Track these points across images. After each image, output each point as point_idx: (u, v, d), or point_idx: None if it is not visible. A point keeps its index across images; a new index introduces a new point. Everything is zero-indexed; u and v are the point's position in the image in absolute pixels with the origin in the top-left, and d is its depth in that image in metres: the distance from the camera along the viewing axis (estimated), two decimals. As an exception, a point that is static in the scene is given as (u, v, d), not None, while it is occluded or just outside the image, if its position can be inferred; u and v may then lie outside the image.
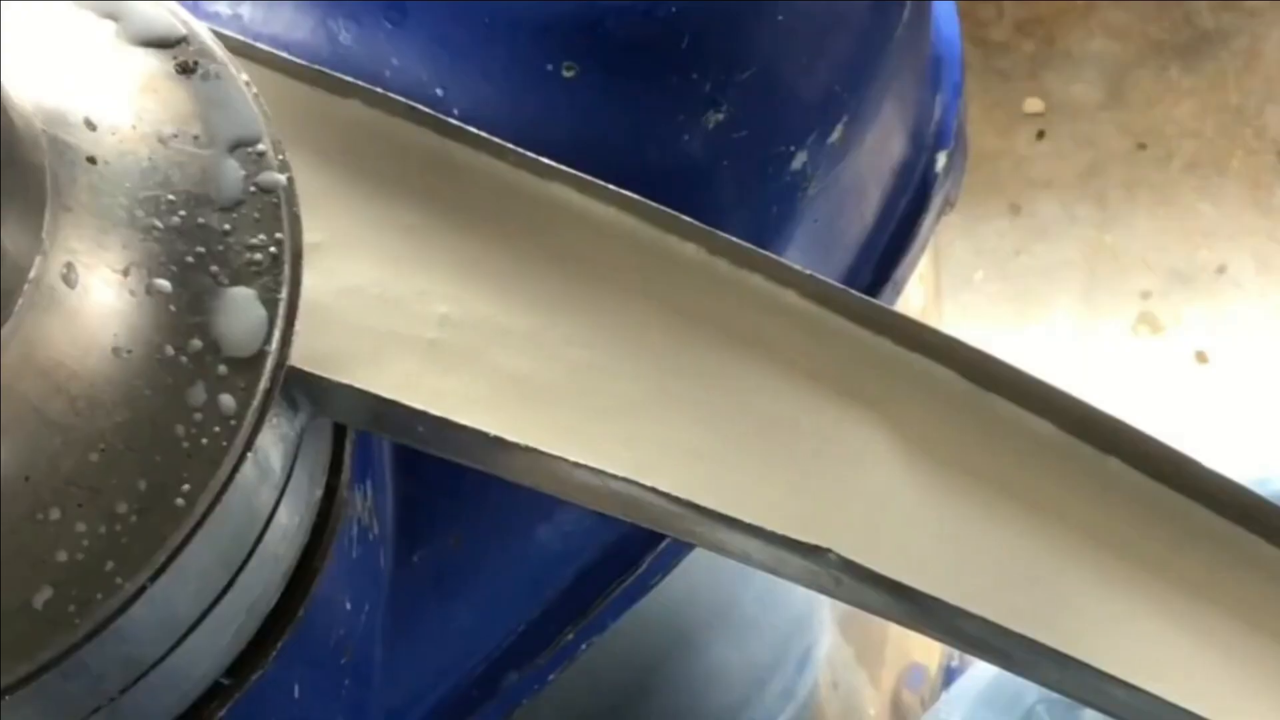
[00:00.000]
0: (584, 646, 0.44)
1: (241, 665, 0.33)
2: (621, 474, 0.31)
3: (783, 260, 0.34)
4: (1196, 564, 0.34)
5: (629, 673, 0.56)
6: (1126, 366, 1.20)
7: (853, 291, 0.34)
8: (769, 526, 0.31)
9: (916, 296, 0.61)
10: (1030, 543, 0.34)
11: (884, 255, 0.51)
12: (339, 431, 0.35)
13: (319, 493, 0.34)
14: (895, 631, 0.74)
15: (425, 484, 0.40)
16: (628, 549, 0.44)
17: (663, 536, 0.42)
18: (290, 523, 0.33)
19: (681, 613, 0.59)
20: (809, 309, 0.34)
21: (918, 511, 0.33)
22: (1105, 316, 1.23)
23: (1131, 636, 0.34)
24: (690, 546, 0.43)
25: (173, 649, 0.31)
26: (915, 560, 0.32)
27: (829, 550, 0.32)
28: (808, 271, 0.34)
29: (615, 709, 0.57)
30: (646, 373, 0.33)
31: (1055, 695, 0.48)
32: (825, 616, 0.75)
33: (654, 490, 0.31)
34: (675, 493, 0.31)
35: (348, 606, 0.37)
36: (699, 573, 0.59)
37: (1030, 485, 0.34)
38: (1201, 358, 1.20)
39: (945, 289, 1.23)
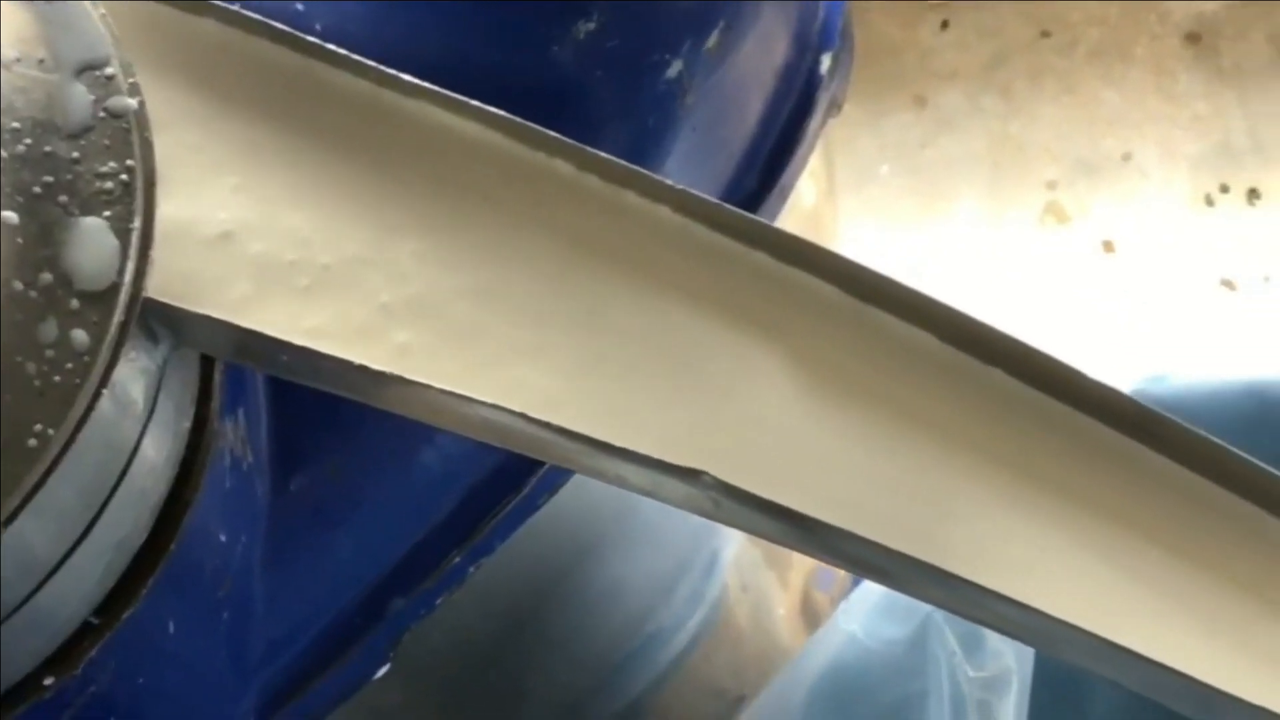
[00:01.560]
0: (472, 569, 0.44)
1: (112, 603, 0.32)
2: (490, 400, 0.31)
3: (655, 176, 0.33)
4: (1084, 475, 0.34)
5: (527, 590, 0.56)
6: (1034, 257, 1.20)
7: (727, 206, 0.33)
8: (641, 450, 0.31)
9: (808, 195, 0.60)
10: (914, 459, 0.33)
11: (769, 161, 0.50)
12: (206, 362, 0.34)
13: (187, 424, 0.33)
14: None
15: (301, 412, 0.39)
16: (512, 470, 0.44)
17: (547, 457, 0.42)
18: (157, 457, 0.32)
19: (581, 525, 0.59)
20: (683, 224, 0.33)
21: (799, 431, 0.33)
22: (1012, 208, 1.23)
23: (1020, 552, 0.34)
24: (573, 468, 0.42)
25: (36, 591, 0.30)
26: (797, 481, 0.32)
27: (704, 473, 0.31)
28: (680, 187, 0.33)
29: (515, 627, 0.57)
30: (517, 295, 0.32)
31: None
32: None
33: (523, 416, 0.31)
34: (545, 418, 0.31)
35: (223, 538, 0.36)
36: (596, 484, 0.58)
37: (913, 400, 0.33)
38: (1108, 247, 1.21)
39: (850, 184, 1.22)
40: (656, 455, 0.31)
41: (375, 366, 0.31)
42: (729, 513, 0.32)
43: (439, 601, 0.43)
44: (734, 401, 0.32)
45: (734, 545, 0.76)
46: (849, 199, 1.21)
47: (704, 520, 0.66)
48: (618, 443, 0.31)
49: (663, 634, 0.70)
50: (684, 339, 0.33)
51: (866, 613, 0.48)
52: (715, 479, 0.31)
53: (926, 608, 0.48)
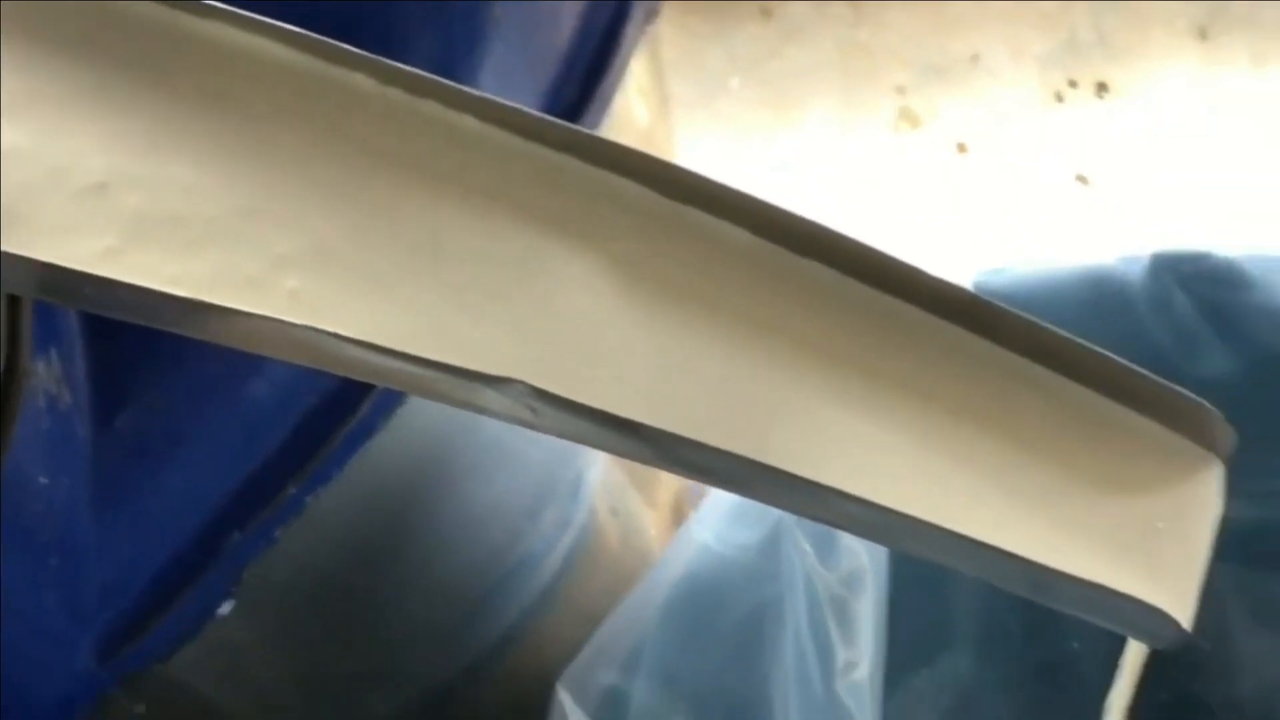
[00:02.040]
0: (310, 499, 0.43)
1: (-72, 553, 0.31)
2: (300, 321, 0.30)
3: (459, 86, 0.32)
4: (913, 366, 0.34)
5: (379, 519, 0.55)
6: (888, 162, 1.21)
7: (534, 112, 0.32)
8: (453, 361, 0.30)
9: (641, 114, 0.60)
10: (739, 358, 0.33)
11: (587, 71, 0.49)
12: (13, 301, 0.33)
13: (-3, 367, 0.32)
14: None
15: (120, 347, 0.39)
16: (344, 395, 0.43)
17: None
18: (-36, 401, 0.31)
19: (434, 451, 0.58)
20: (489, 133, 0.33)
21: (619, 335, 0.32)
22: (864, 114, 1.23)
23: (853, 447, 0.33)
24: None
25: None
26: (618, 385, 0.32)
27: (517, 381, 0.30)
28: (485, 95, 0.32)
29: (368, 559, 0.56)
30: (326, 213, 0.32)
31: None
32: (592, 444, 0.74)
33: (334, 335, 0.30)
34: (357, 336, 0.30)
35: (43, 481, 0.35)
36: (447, 410, 0.58)
37: (734, 298, 0.33)
38: (962, 148, 1.21)
39: (700, 99, 1.22)
40: (468, 366, 0.30)
41: (179, 293, 0.30)
42: (550, 420, 0.31)
43: (278, 534, 0.43)
44: (550, 309, 0.32)
45: (599, 468, 0.76)
46: (700, 113, 1.20)
47: (566, 444, 0.65)
48: (429, 356, 0.30)
49: (532, 560, 0.69)
50: (497, 249, 0.32)
51: (718, 520, 0.48)
52: (529, 386, 0.31)
53: (777, 511, 0.48)
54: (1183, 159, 1.18)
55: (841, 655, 0.49)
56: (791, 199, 0.34)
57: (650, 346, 0.32)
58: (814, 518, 0.35)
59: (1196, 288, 0.52)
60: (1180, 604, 0.34)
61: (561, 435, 0.32)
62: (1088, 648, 0.58)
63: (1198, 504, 0.35)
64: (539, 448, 0.69)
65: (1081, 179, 1.18)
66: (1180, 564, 0.35)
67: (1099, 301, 0.51)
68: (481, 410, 0.32)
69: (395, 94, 0.32)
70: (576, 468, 0.74)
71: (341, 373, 0.31)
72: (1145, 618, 0.34)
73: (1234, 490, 0.58)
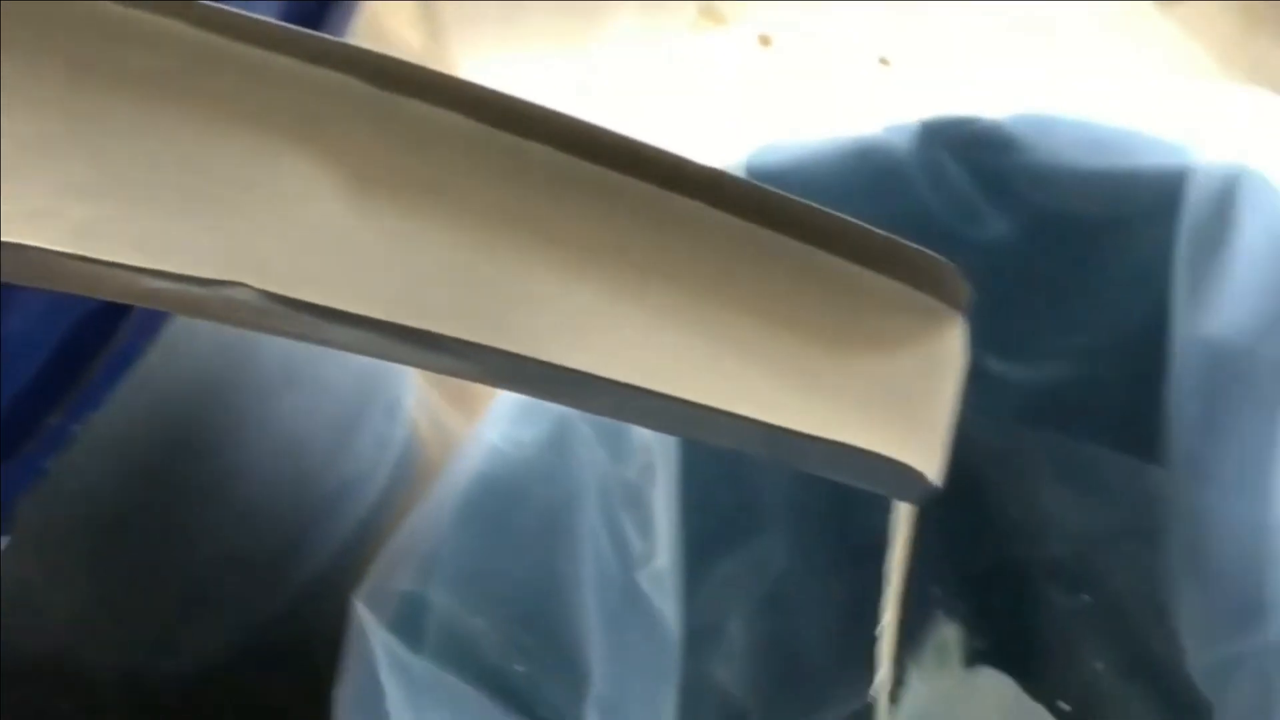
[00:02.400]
0: (77, 427, 0.42)
1: None
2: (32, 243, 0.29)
3: (165, -9, 0.32)
4: (647, 242, 0.34)
5: (173, 447, 0.54)
6: (694, 63, 1.20)
7: (244, 13, 0.32)
8: (172, 269, 0.30)
9: (413, 39, 0.59)
10: (473, 246, 0.33)
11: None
12: None
13: None
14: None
15: None
16: (101, 319, 0.42)
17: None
18: None
19: (223, 375, 0.57)
20: (201, 37, 0.32)
21: (345, 231, 0.32)
22: (665, 18, 1.23)
23: (598, 328, 0.33)
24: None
25: None
26: (347, 282, 0.31)
27: (240, 284, 0.30)
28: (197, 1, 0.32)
29: (170, 487, 0.55)
30: (44, 128, 0.31)
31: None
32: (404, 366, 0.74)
33: (53, 253, 0.29)
34: (71, 250, 0.29)
35: None
36: (232, 333, 0.57)
37: (461, 185, 0.33)
38: (765, 41, 1.21)
39: (499, 17, 1.21)
40: (188, 272, 0.30)
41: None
42: (280, 320, 0.31)
43: (48, 465, 0.42)
44: (274, 210, 0.32)
45: (413, 390, 0.75)
46: (502, 30, 1.19)
47: (375, 365, 0.65)
48: (150, 266, 0.30)
49: (350, 487, 0.69)
50: (214, 154, 0.32)
51: (504, 420, 0.48)
52: (254, 288, 0.30)
53: (560, 407, 0.48)
54: (986, 36, 1.18)
55: (638, 546, 0.50)
56: (595, 110, 0.33)
57: (378, 240, 0.32)
58: (565, 402, 0.35)
59: (966, 153, 0.52)
60: (928, 459, 0.35)
61: (298, 337, 0.32)
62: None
63: (941, 359, 0.35)
64: (347, 370, 0.68)
65: (884, 61, 1.18)
66: (926, 419, 0.35)
67: (872, 173, 0.51)
68: (213, 317, 0.32)
69: (109, 6, 0.32)
70: (391, 390, 0.73)
71: (89, 294, 0.30)
72: (895, 474, 0.34)
73: (1029, 352, 0.59)
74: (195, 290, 0.31)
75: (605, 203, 0.33)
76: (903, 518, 0.40)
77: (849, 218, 0.34)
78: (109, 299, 0.32)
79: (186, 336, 0.49)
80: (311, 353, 0.65)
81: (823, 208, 0.34)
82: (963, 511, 0.68)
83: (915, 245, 0.34)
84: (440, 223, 0.33)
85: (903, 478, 0.35)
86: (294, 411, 0.64)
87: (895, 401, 0.34)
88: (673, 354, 0.33)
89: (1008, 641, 0.74)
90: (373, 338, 0.32)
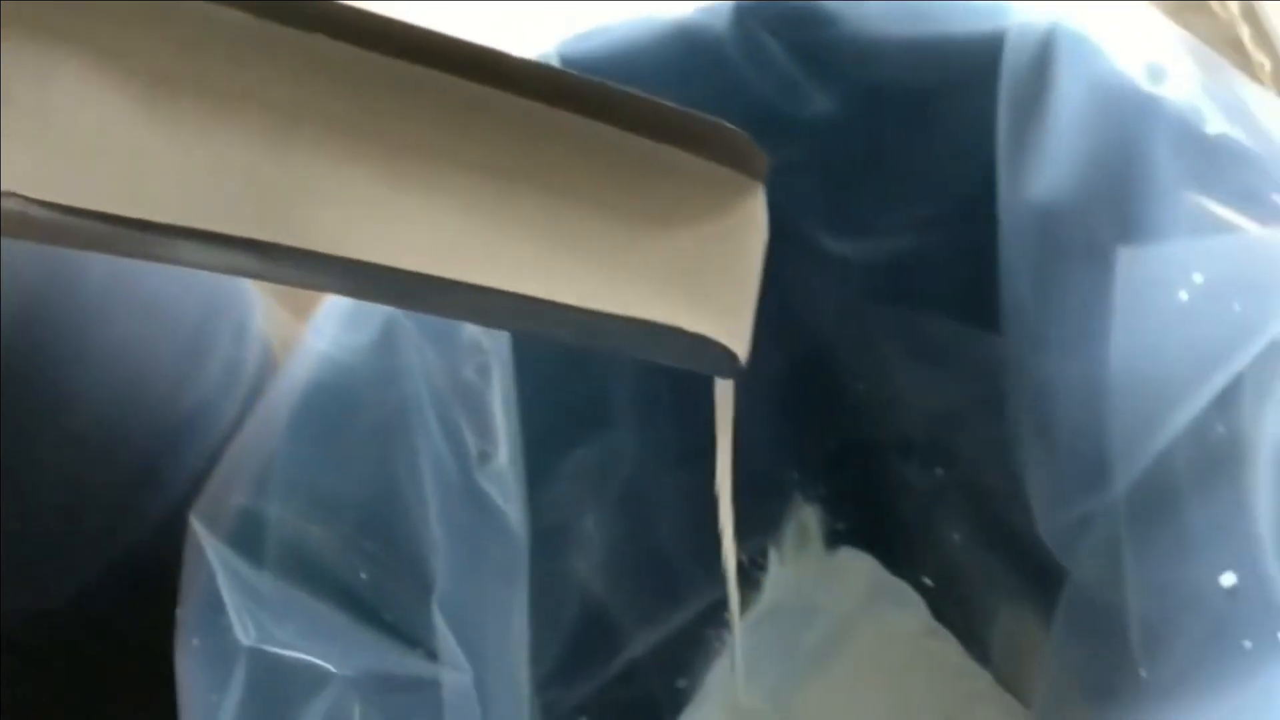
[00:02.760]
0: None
1: None
2: None
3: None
4: (434, 128, 0.33)
5: (12, 372, 0.53)
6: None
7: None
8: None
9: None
10: (268, 145, 0.32)
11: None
12: None
13: None
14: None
15: None
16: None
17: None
18: None
19: (64, 298, 0.56)
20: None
21: (118, 132, 0.31)
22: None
23: (389, 219, 0.33)
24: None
25: None
26: (123, 185, 0.30)
27: (11, 194, 0.29)
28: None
29: (8, 413, 0.54)
30: None
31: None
32: (249, 285, 0.73)
33: None
34: None
35: None
36: (44, 261, 0.56)
37: (249, 85, 0.32)
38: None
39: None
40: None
41: None
42: (57, 231, 0.30)
43: None
44: (43, 115, 0.31)
45: (261, 311, 0.74)
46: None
47: (220, 287, 0.64)
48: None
49: (200, 414, 0.68)
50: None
51: (332, 326, 0.47)
52: (22, 196, 0.29)
53: (386, 309, 0.48)
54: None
55: (475, 445, 0.49)
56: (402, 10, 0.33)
57: (163, 143, 0.31)
58: (373, 297, 0.34)
59: (783, 31, 0.52)
60: (733, 332, 0.34)
61: (72, 245, 0.31)
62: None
63: (742, 229, 0.35)
64: (187, 295, 0.67)
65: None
66: (730, 292, 0.35)
67: (690, 56, 0.50)
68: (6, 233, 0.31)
69: None
70: (238, 313, 0.72)
71: None
72: (700, 350, 0.34)
73: (867, 229, 0.59)
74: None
75: (396, 94, 0.33)
76: (720, 394, 0.40)
77: (640, 93, 0.34)
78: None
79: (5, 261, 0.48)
80: (150, 277, 0.64)
81: (613, 84, 0.34)
82: (813, 394, 0.68)
83: (708, 117, 0.34)
84: (227, 123, 0.32)
85: (711, 352, 0.34)
86: (134, 338, 0.63)
87: (698, 275, 0.34)
88: (470, 240, 0.33)
89: (867, 521, 0.75)
90: (164, 242, 0.31)
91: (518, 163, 0.34)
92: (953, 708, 0.72)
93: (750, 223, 0.36)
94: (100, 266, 0.60)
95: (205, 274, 0.68)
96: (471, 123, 0.34)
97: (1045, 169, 0.49)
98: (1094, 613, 0.51)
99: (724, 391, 0.41)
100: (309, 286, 0.35)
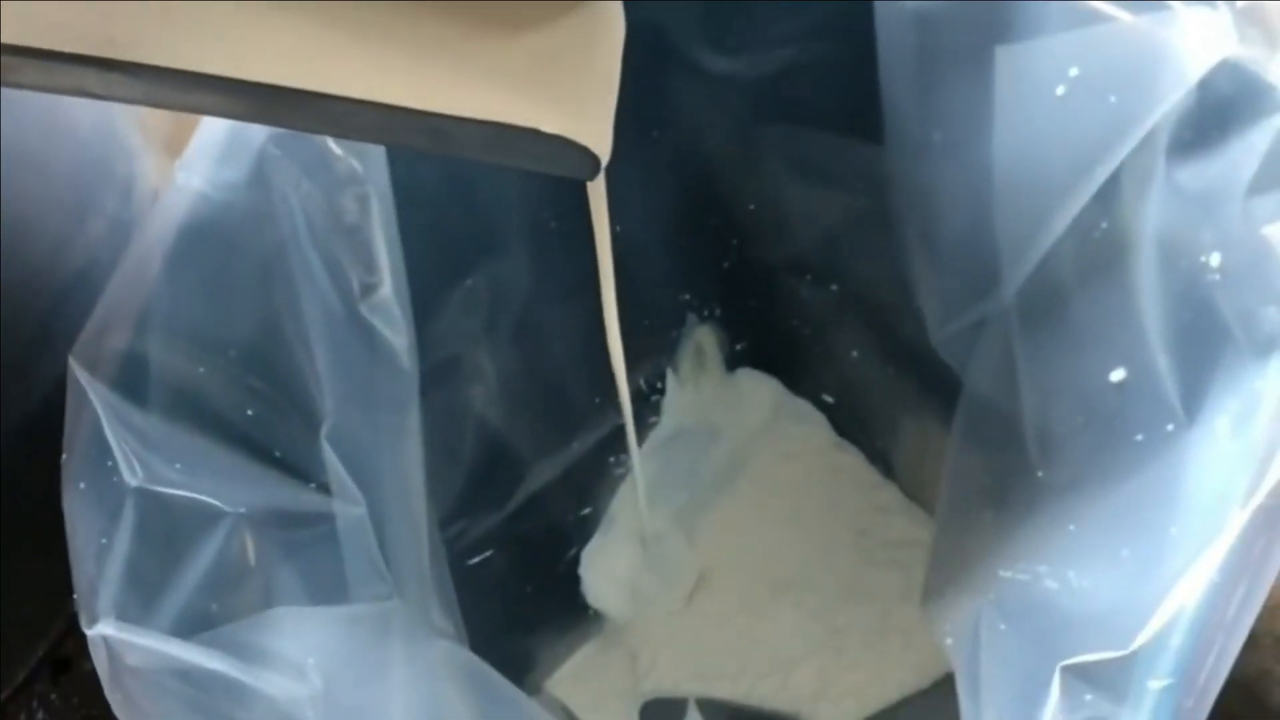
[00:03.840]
0: None
1: None
2: None
3: None
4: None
5: None
6: None
7: None
8: None
9: None
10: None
11: None
12: None
13: None
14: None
15: None
16: None
17: None
18: None
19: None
20: None
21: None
22: None
23: (244, 30, 0.32)
24: None
25: None
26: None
27: None
28: None
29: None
30: None
31: (282, 131, 0.46)
32: (135, 142, 0.72)
33: None
34: None
35: None
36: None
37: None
38: None
39: None
40: None
41: None
42: None
43: None
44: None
45: (146, 164, 0.73)
46: None
47: (105, 148, 0.62)
48: None
49: (91, 271, 0.67)
50: None
51: (204, 164, 0.46)
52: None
53: (258, 141, 0.47)
54: None
55: (358, 278, 0.49)
56: None
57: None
58: (223, 113, 0.33)
59: None
60: (593, 133, 0.34)
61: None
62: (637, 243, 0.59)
63: (599, 31, 0.34)
64: (70, 154, 0.66)
65: None
66: (587, 94, 0.34)
67: None
68: None
69: None
70: (123, 167, 0.71)
71: None
72: (559, 152, 0.34)
73: (748, 45, 0.58)
74: None
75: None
76: (595, 198, 0.40)
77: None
78: None
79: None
80: (27, 134, 0.63)
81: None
82: (703, 216, 0.67)
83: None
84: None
85: (571, 154, 0.34)
86: (14, 197, 0.62)
87: (555, 77, 0.33)
88: (323, 50, 0.32)
89: (765, 341, 0.75)
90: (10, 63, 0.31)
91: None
92: (864, 520, 0.72)
93: (607, 22, 0.35)
94: (34, 129, 0.58)
95: (83, 131, 0.67)
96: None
97: (920, -30, 0.48)
98: (991, 419, 0.51)
99: (597, 196, 0.41)
100: (163, 105, 0.34)
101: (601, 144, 0.34)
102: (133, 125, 0.73)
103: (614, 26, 0.35)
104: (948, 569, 0.54)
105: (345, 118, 0.32)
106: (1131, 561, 0.41)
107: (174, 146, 0.76)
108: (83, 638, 0.42)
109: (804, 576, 0.71)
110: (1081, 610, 0.42)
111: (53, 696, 0.73)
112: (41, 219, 0.64)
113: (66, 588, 0.43)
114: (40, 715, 0.74)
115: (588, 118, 0.34)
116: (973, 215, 0.49)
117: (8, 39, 0.30)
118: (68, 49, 0.31)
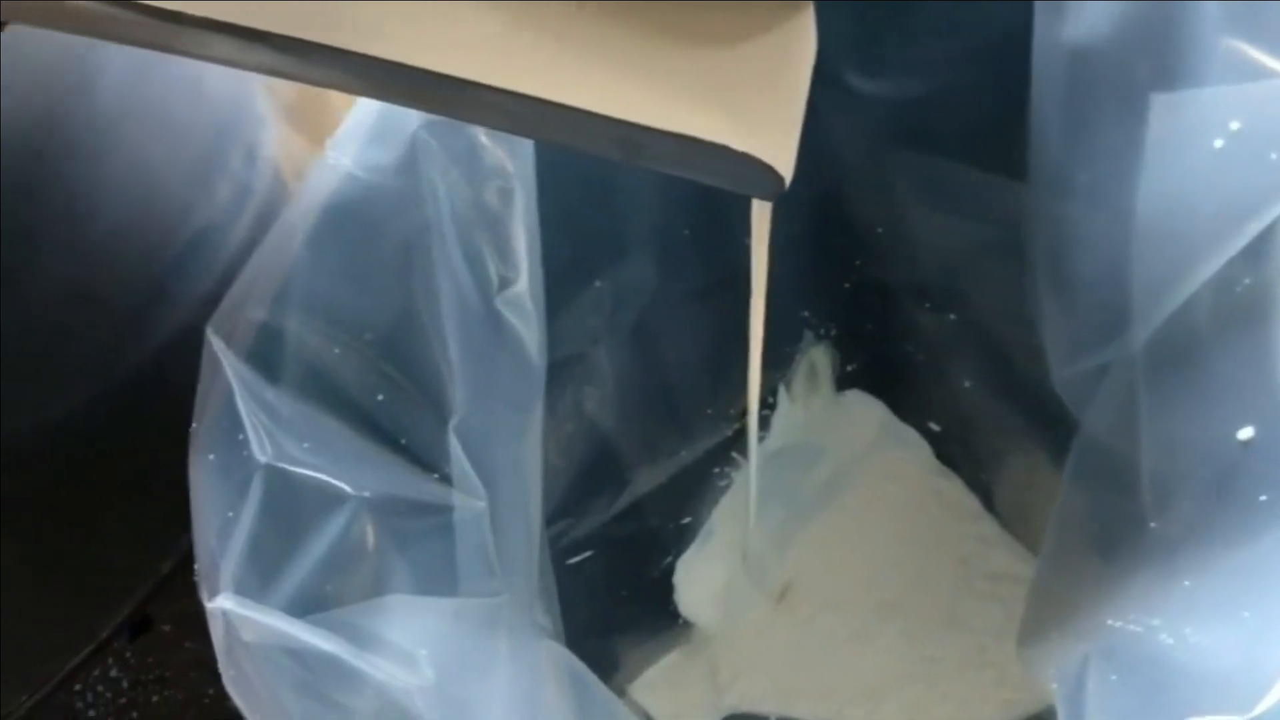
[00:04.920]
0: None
1: None
2: None
3: None
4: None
5: (22, 186, 0.52)
6: None
7: None
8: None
9: None
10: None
11: None
12: None
13: None
14: (339, 102, 0.71)
15: None
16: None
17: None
18: None
19: (71, 111, 0.55)
20: None
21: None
22: None
23: (440, 23, 0.32)
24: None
25: None
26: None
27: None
28: None
29: (15, 226, 0.54)
30: None
31: (434, 118, 0.46)
32: (263, 109, 0.72)
33: None
34: None
35: None
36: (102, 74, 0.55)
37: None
38: None
39: None
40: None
41: None
42: (84, 17, 0.29)
43: None
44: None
45: (273, 135, 0.73)
46: None
47: (231, 109, 0.63)
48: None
49: (209, 235, 0.68)
50: None
51: (355, 145, 0.46)
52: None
53: (411, 127, 0.47)
54: None
55: (497, 271, 0.49)
56: None
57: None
58: (401, 101, 0.33)
59: None
60: (779, 153, 0.34)
61: (96, 32, 0.30)
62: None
63: (790, 48, 0.34)
64: (197, 115, 0.66)
65: None
66: (776, 110, 0.34)
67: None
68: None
69: None
70: (248, 135, 0.71)
71: None
72: (744, 170, 0.33)
73: (891, 67, 0.58)
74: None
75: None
76: (759, 217, 0.40)
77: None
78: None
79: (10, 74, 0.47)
80: (162, 97, 0.63)
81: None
82: (830, 234, 0.67)
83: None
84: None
85: (755, 172, 0.34)
86: (146, 156, 0.63)
87: (746, 94, 0.33)
88: (518, 49, 0.32)
89: (877, 364, 0.75)
90: (196, 35, 0.31)
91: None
92: (965, 549, 0.72)
93: (799, 42, 0.35)
94: (114, 85, 0.59)
95: (217, 95, 0.68)
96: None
97: (1083, 9, 0.48)
98: (1105, 464, 0.51)
99: (762, 215, 0.40)
100: (349, 90, 0.34)
101: (786, 164, 0.34)
102: (262, 92, 0.74)
103: (807, 44, 0.34)
104: (1051, 609, 0.53)
105: (537, 118, 0.32)
106: (1254, 623, 0.40)
107: (295, 116, 0.76)
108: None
109: (902, 602, 0.71)
110: (1200, 669, 0.41)
111: (129, 654, 0.74)
112: (168, 179, 0.65)
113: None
114: (114, 671, 0.74)
115: (776, 137, 0.34)
116: (1110, 258, 0.48)
117: (199, 10, 0.30)
118: (259, 26, 0.31)
